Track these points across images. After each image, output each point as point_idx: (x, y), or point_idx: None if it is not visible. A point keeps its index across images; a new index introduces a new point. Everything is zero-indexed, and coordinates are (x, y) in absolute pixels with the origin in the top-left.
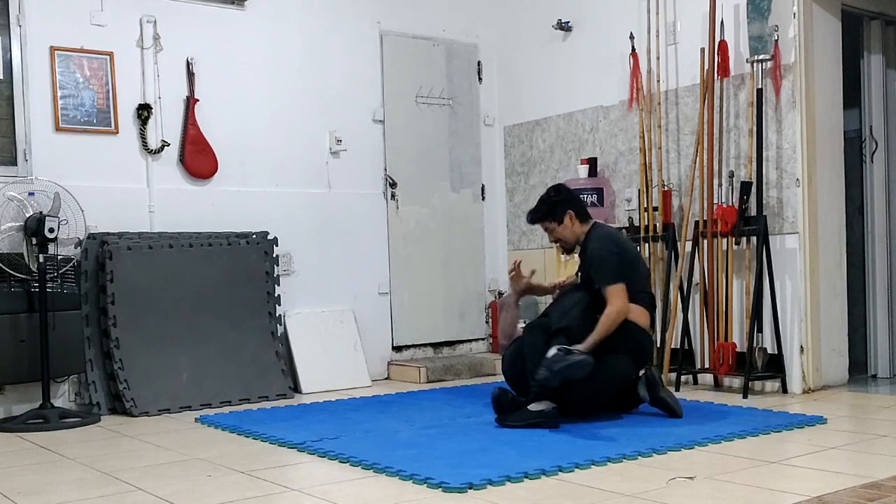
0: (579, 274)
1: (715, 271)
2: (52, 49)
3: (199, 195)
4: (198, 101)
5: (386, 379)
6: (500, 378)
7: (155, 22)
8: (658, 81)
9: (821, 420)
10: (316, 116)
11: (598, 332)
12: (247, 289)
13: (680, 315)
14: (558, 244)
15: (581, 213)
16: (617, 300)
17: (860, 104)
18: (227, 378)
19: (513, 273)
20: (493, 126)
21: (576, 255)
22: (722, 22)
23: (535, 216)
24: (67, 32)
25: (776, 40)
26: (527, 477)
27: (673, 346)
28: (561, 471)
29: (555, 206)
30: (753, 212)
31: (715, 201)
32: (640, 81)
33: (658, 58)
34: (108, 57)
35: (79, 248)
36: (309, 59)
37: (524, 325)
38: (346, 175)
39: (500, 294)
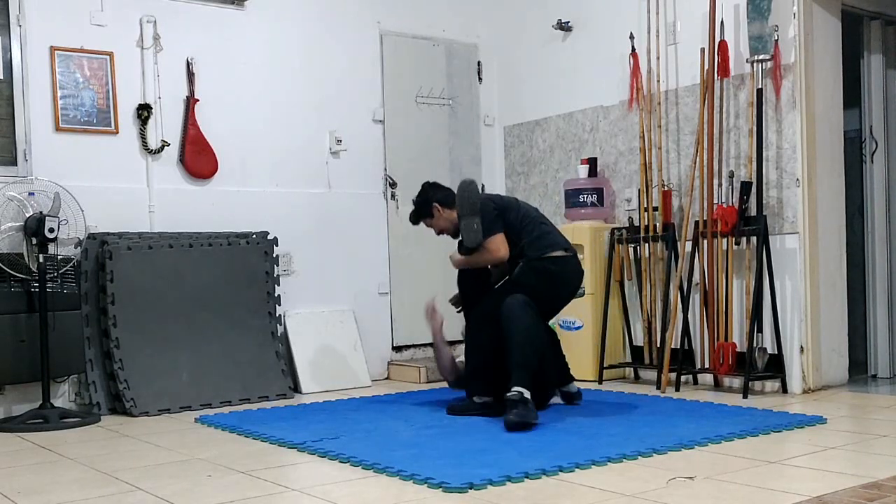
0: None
1: (715, 271)
2: (52, 49)
3: (199, 195)
4: (198, 101)
5: (386, 379)
6: None
7: (155, 22)
8: (658, 81)
9: (821, 420)
10: (316, 116)
11: (473, 256)
12: (247, 289)
13: (680, 315)
14: (442, 234)
15: (444, 202)
16: (492, 248)
17: (860, 104)
18: (227, 378)
19: (431, 312)
20: (493, 126)
21: None
22: (722, 22)
23: (412, 219)
24: (67, 32)
25: (776, 40)
26: (527, 477)
27: (673, 346)
28: (561, 471)
29: (421, 205)
30: (753, 212)
31: (715, 201)
32: (640, 81)
33: (658, 58)
34: (108, 57)
35: (79, 248)
36: (309, 59)
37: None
38: (346, 175)
39: None
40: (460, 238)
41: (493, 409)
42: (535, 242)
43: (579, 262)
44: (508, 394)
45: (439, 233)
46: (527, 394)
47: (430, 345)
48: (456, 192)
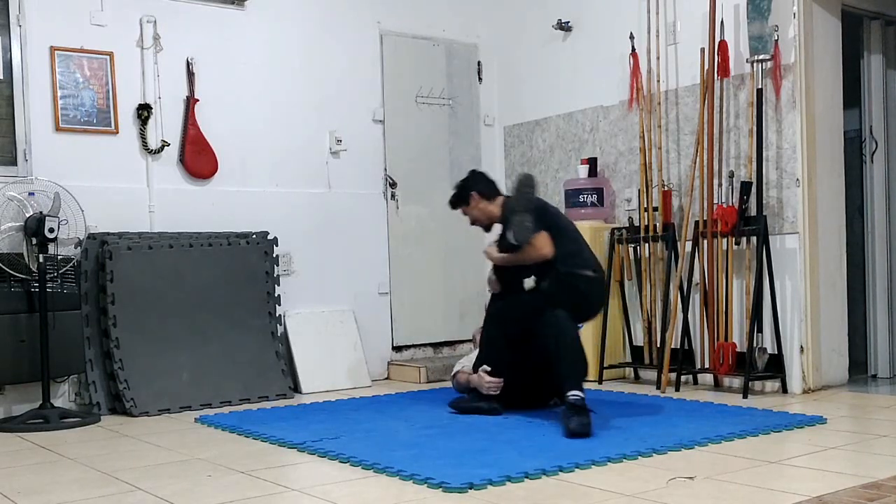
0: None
1: (715, 271)
2: (52, 49)
3: (199, 195)
4: (198, 101)
5: (386, 379)
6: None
7: (155, 22)
8: (658, 81)
9: (821, 420)
10: (316, 116)
11: (515, 254)
12: (247, 289)
13: (680, 315)
14: (475, 225)
15: (486, 193)
16: (538, 244)
17: (860, 104)
18: (227, 378)
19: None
20: (493, 126)
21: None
22: (722, 22)
23: (451, 203)
24: (67, 32)
25: (776, 40)
26: (527, 477)
27: (673, 346)
28: (561, 471)
29: (461, 189)
30: (753, 212)
31: (715, 201)
32: (640, 81)
33: (658, 58)
34: (108, 57)
35: (79, 248)
36: (309, 59)
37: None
38: (346, 175)
39: None
40: (501, 234)
41: (495, 408)
42: (569, 257)
43: (604, 285)
44: (570, 397)
45: (472, 223)
46: (583, 396)
47: (431, 344)
48: (515, 184)
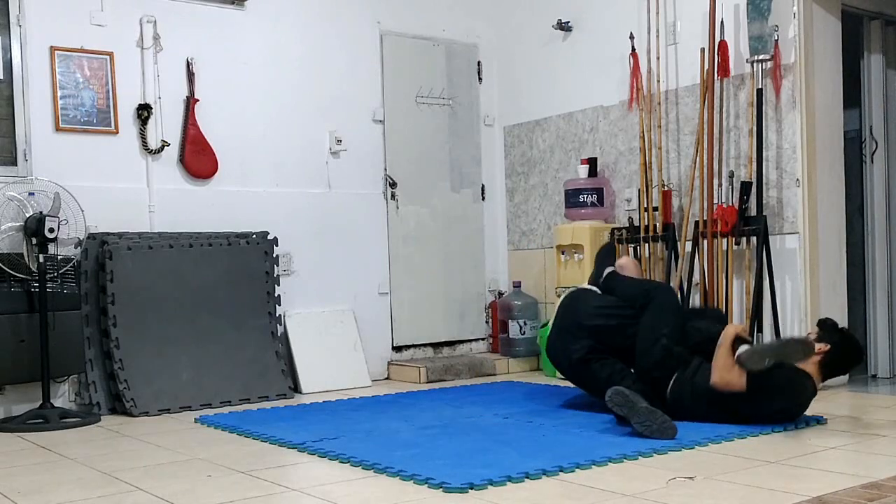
0: None
1: (715, 271)
2: (52, 49)
3: (199, 195)
4: (198, 101)
5: (386, 379)
6: (500, 378)
7: (155, 22)
8: (658, 81)
9: (821, 420)
10: (316, 116)
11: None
12: (247, 289)
13: None
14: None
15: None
16: None
17: (860, 104)
18: (227, 378)
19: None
20: (493, 126)
21: (576, 256)
22: (722, 22)
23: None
24: (67, 32)
25: (776, 40)
26: (528, 477)
27: None
28: (562, 471)
29: None
30: (753, 212)
31: (715, 201)
32: (640, 81)
33: (658, 58)
34: (108, 57)
35: (79, 248)
36: (309, 59)
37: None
38: (346, 175)
39: (500, 294)
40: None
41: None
42: None
43: None
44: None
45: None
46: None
47: (431, 344)
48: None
